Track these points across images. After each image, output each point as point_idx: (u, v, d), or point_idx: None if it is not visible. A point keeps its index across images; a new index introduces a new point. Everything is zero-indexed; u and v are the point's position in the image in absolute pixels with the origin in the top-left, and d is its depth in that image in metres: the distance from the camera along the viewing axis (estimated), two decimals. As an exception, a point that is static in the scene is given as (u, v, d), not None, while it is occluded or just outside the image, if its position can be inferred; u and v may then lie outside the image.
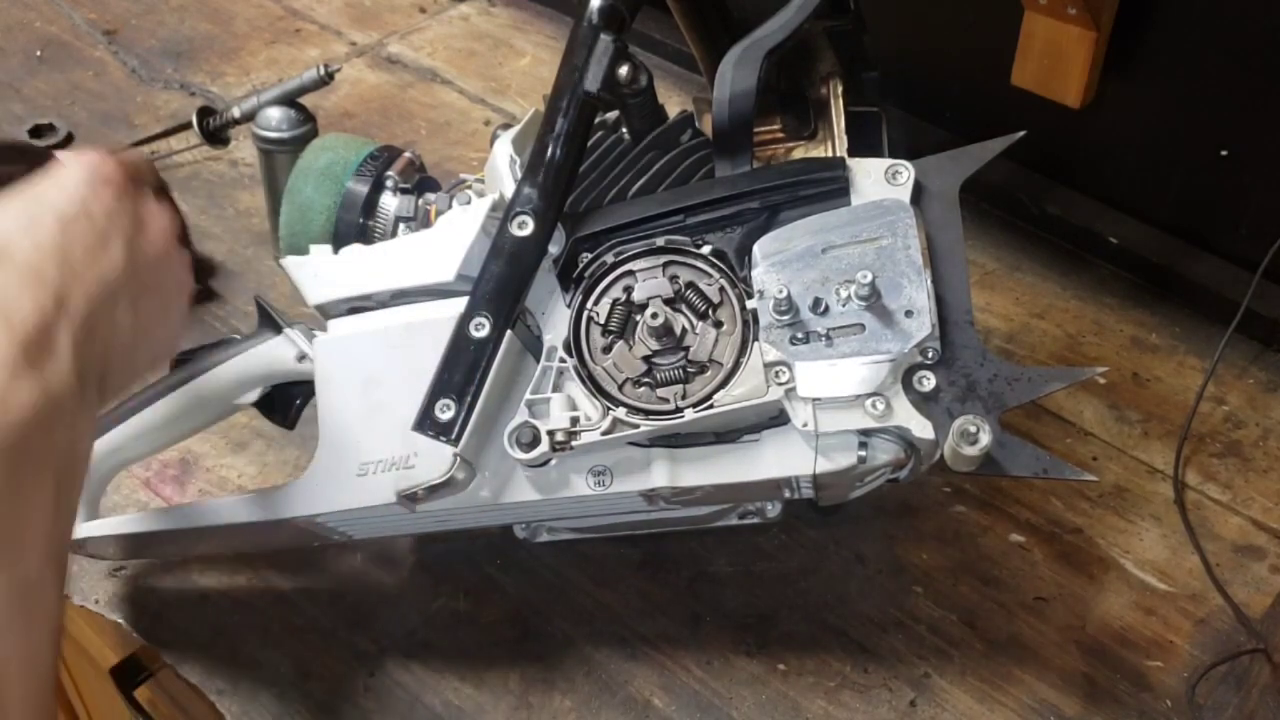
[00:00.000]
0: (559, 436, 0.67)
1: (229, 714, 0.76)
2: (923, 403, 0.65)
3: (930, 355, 0.66)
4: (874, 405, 0.64)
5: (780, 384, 0.66)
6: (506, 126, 0.77)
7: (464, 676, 0.78)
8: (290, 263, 0.75)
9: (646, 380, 0.68)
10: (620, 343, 0.69)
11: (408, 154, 0.85)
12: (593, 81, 0.67)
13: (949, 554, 0.86)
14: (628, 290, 0.70)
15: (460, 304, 0.69)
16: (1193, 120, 1.01)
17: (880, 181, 0.68)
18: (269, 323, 0.77)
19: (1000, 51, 1.03)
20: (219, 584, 0.83)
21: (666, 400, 0.68)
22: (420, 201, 0.80)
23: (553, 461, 0.69)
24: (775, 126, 0.78)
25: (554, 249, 0.69)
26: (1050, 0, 0.95)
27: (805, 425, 0.65)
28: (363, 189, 0.81)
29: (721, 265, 0.69)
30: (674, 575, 0.84)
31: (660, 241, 0.70)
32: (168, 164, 1.17)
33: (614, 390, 0.68)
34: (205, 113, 1.12)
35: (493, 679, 0.78)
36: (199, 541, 0.79)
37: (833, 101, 0.76)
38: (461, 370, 0.68)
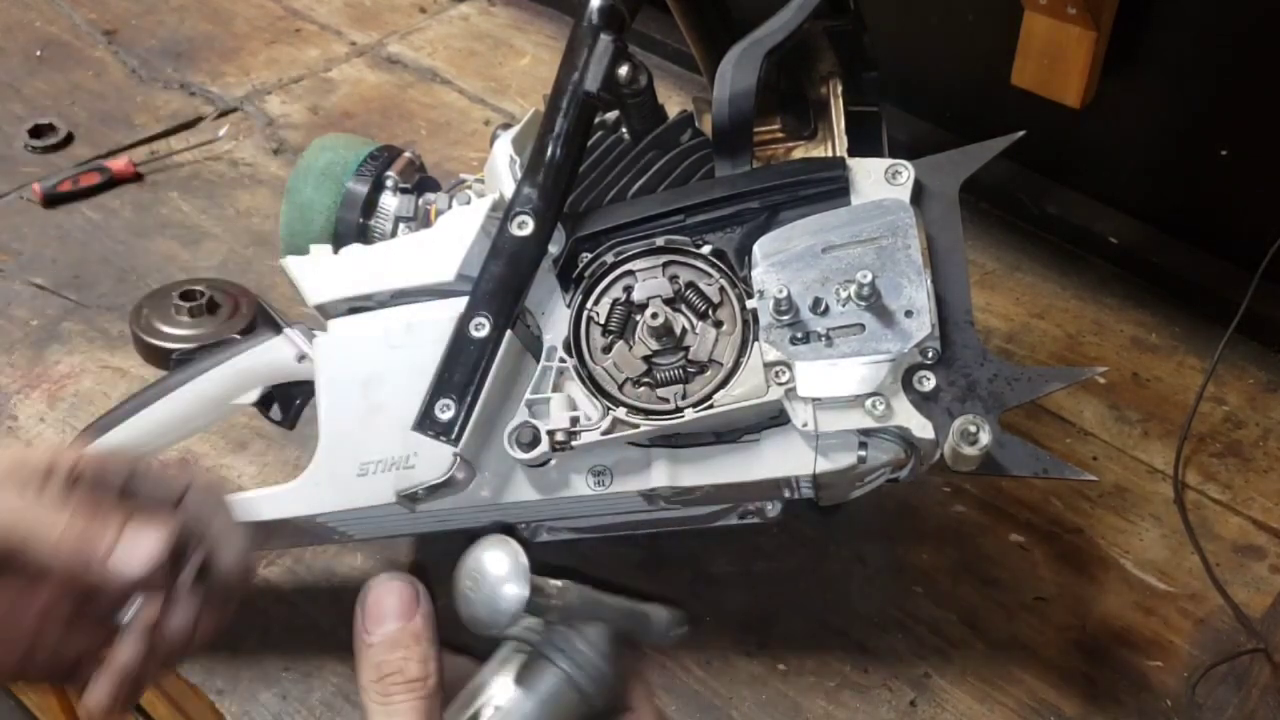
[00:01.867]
0: (559, 436, 0.67)
1: (229, 714, 0.76)
2: (923, 403, 0.65)
3: (930, 355, 0.66)
4: (874, 405, 0.64)
5: (780, 384, 0.65)
6: (506, 126, 0.77)
7: (464, 676, 0.78)
8: (290, 263, 0.75)
9: (646, 380, 0.68)
10: (620, 343, 0.69)
11: (408, 154, 0.85)
12: (593, 81, 0.67)
13: (949, 554, 0.86)
14: (628, 290, 0.70)
15: (460, 304, 0.69)
16: (1193, 120, 1.01)
17: (880, 181, 0.68)
18: (269, 323, 0.77)
19: (1000, 51, 1.03)
20: (219, 584, 0.83)
21: (666, 400, 0.68)
22: (420, 201, 0.80)
23: (553, 461, 0.69)
24: (775, 126, 0.78)
25: (554, 249, 0.69)
26: (1050, 0, 0.95)
27: (805, 425, 0.65)
28: (363, 189, 0.81)
29: (721, 265, 0.69)
30: (674, 575, 0.84)
31: (660, 241, 0.70)
32: (168, 164, 1.17)
33: (614, 390, 0.68)
34: None
35: (493, 679, 0.78)
36: (199, 541, 0.79)
37: (833, 101, 0.76)
38: (461, 370, 0.68)
